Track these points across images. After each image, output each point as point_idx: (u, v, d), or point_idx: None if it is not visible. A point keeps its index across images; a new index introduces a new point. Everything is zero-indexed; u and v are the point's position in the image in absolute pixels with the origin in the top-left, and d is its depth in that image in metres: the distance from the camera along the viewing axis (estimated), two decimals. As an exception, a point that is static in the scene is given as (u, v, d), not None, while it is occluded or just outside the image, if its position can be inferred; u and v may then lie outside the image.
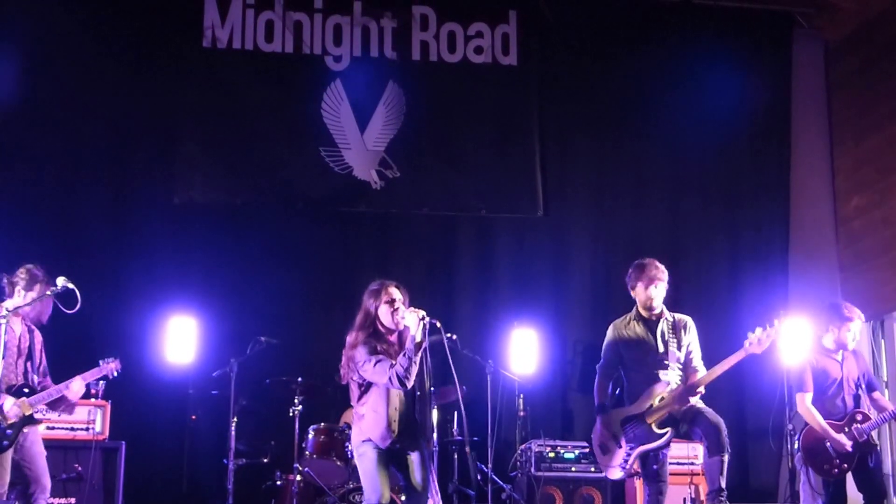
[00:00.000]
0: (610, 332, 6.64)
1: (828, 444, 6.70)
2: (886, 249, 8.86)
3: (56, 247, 8.23)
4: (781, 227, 9.39)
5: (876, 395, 6.97)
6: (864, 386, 6.92)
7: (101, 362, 6.63)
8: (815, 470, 6.75)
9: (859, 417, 6.74)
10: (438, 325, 5.35)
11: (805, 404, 6.82)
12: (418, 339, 5.31)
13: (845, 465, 6.69)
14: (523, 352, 8.36)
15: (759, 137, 9.51)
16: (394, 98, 9.12)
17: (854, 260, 9.29)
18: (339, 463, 7.24)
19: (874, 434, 6.84)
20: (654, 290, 6.47)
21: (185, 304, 8.07)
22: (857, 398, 6.90)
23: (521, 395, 8.15)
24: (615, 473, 6.52)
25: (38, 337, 6.51)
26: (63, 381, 6.41)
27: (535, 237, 9.19)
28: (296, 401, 7.44)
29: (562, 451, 7.83)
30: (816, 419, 6.74)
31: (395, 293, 5.59)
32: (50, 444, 6.82)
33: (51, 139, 8.57)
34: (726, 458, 6.15)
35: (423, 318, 5.32)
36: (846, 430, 6.73)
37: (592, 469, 7.71)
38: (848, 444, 6.63)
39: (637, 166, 9.38)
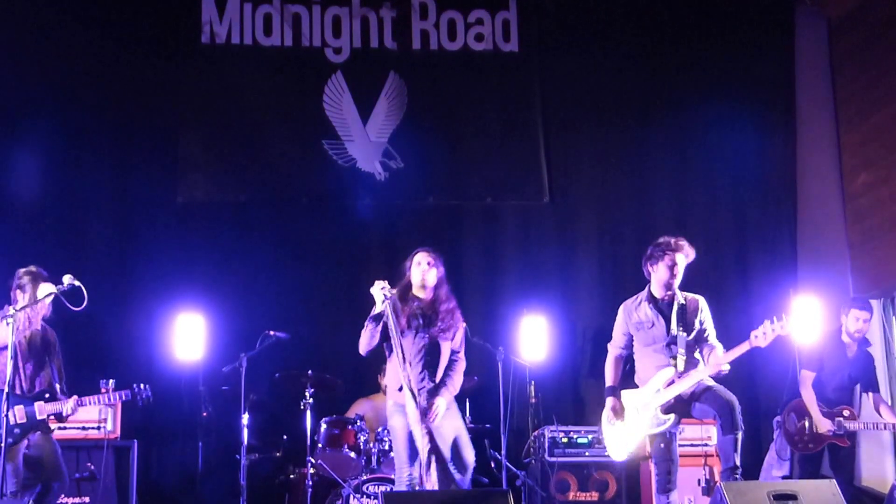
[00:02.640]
0: (620, 313, 6.62)
1: (806, 422, 6.85)
2: (894, 226, 8.79)
3: (61, 248, 8.27)
4: (789, 205, 9.32)
5: (874, 397, 7.23)
6: (859, 384, 7.22)
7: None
8: (787, 438, 7.09)
9: (846, 413, 7.05)
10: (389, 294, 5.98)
11: (806, 383, 7.17)
12: (378, 310, 5.97)
13: (811, 446, 7.08)
14: (533, 338, 8.32)
15: (765, 115, 9.43)
16: (395, 88, 9.09)
17: (862, 237, 9.23)
18: (352, 455, 7.24)
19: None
20: (679, 267, 6.35)
21: (193, 301, 8.07)
22: (850, 392, 7.09)
23: (533, 382, 8.12)
24: (618, 455, 6.52)
25: (55, 345, 6.51)
26: (72, 382, 6.46)
27: (541, 223, 9.15)
28: (306, 394, 7.43)
29: (575, 437, 7.81)
30: (810, 399, 7.10)
31: (422, 257, 6.33)
32: (61, 444, 6.83)
33: (52, 141, 8.56)
34: (740, 435, 6.13)
35: (383, 290, 5.97)
36: (833, 419, 7.06)
37: (606, 453, 7.69)
38: (826, 428, 6.98)
39: (641, 149, 9.32)
